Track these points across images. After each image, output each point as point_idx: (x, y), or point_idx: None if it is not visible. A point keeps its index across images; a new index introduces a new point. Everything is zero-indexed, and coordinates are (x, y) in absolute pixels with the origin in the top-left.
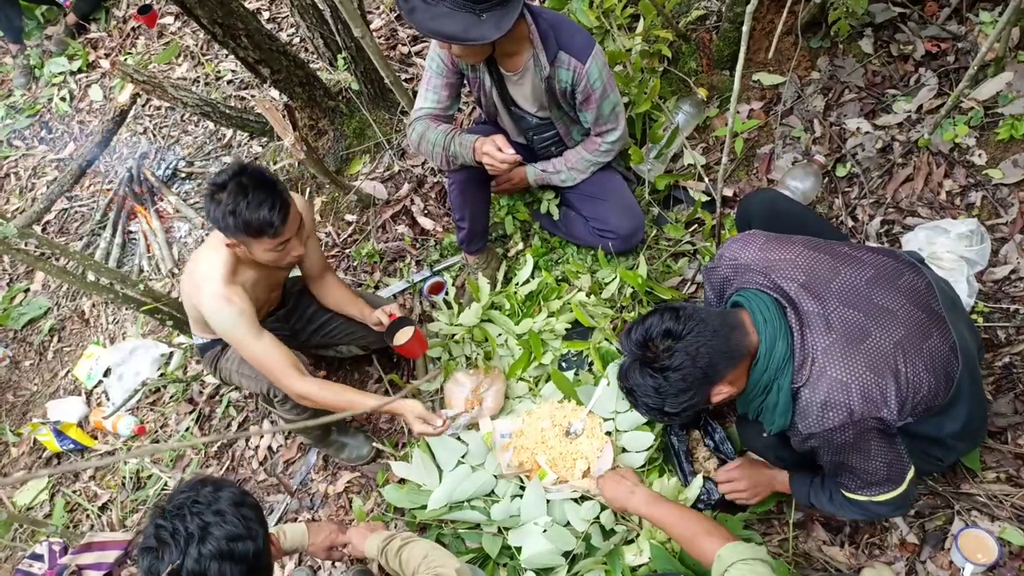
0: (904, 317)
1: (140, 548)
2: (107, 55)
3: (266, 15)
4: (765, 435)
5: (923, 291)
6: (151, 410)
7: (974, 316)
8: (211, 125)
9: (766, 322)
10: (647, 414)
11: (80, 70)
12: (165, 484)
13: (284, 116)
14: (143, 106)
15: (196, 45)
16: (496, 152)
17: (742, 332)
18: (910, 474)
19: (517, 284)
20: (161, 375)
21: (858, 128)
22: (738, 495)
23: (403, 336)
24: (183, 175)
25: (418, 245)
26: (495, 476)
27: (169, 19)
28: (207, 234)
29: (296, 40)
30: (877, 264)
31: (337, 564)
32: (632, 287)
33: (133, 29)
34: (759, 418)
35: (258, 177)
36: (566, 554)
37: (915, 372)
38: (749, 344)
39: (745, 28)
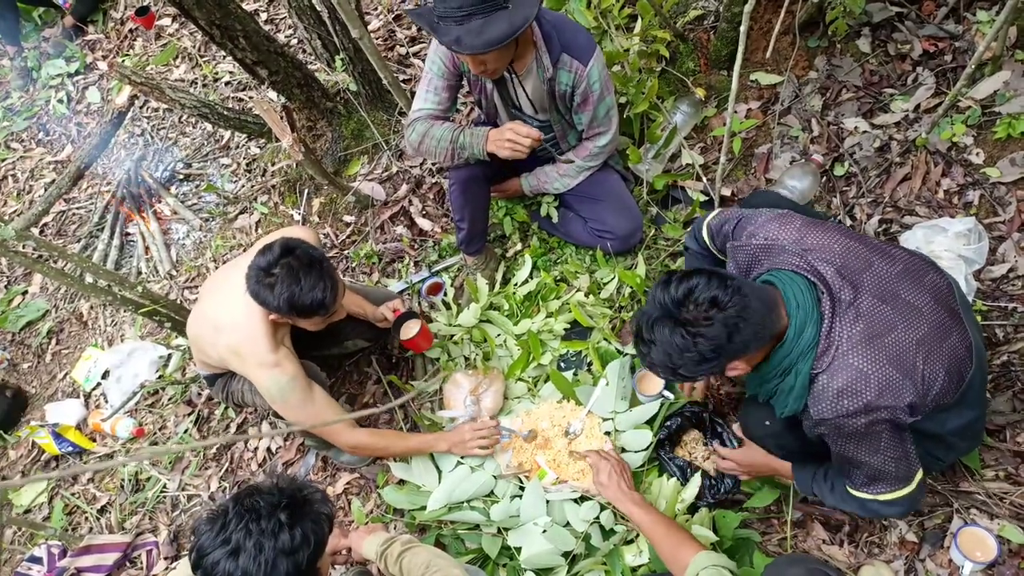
0: (928, 315)
1: (206, 519)
2: (105, 57)
3: (264, 16)
4: (768, 423)
5: (944, 290)
6: (150, 412)
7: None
8: (209, 127)
9: (799, 307)
10: (656, 369)
11: (78, 72)
12: (164, 487)
13: (282, 117)
14: (141, 108)
15: (194, 47)
16: (520, 127)
17: (777, 314)
18: (919, 476)
19: (516, 284)
20: (159, 377)
21: (856, 127)
22: (735, 469)
23: (409, 330)
24: (181, 177)
25: (416, 246)
26: (494, 476)
27: (167, 21)
28: (205, 236)
29: (294, 41)
30: (905, 260)
31: (337, 567)
32: (631, 287)
33: (131, 31)
34: (771, 401)
35: (306, 259)
36: (566, 554)
37: (932, 371)
38: (780, 326)
39: (743, 28)
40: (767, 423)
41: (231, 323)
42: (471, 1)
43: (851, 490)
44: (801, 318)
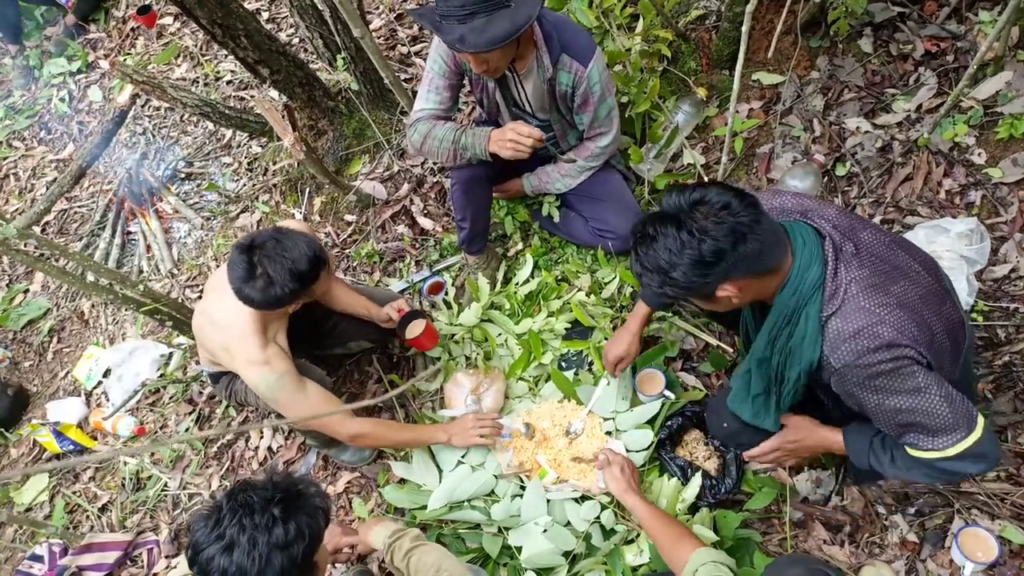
0: (923, 280)
1: (200, 516)
2: (106, 56)
3: (265, 15)
4: (726, 426)
5: (932, 264)
6: (151, 411)
7: (974, 315)
8: (211, 125)
9: (805, 245)
10: (649, 273)
11: (79, 71)
12: (165, 485)
13: (283, 116)
14: (142, 107)
15: (195, 45)
16: (522, 127)
17: (782, 247)
18: (981, 420)
19: (517, 284)
20: (161, 376)
21: (858, 127)
22: (779, 458)
23: (415, 330)
24: (183, 175)
25: (418, 245)
26: (495, 476)
27: (168, 20)
28: (206, 234)
29: (295, 40)
30: (892, 235)
31: (339, 565)
32: (632, 287)
33: (132, 30)
34: (785, 364)
35: (270, 239)
36: (566, 554)
37: (937, 328)
38: (783, 263)
39: (744, 28)
40: (724, 425)
41: (223, 321)
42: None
43: (913, 452)
44: (807, 255)
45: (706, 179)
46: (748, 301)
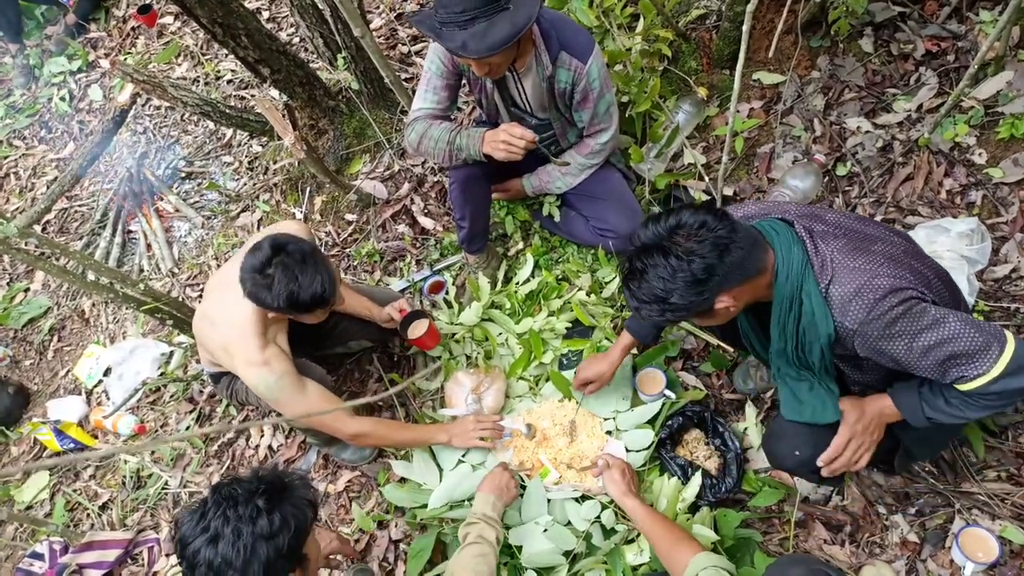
0: (899, 243)
1: (188, 511)
2: (107, 55)
3: (266, 15)
4: (798, 454)
5: (904, 234)
6: (151, 409)
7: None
8: (211, 125)
9: (777, 233)
10: (647, 305)
11: (80, 70)
12: (165, 483)
13: (284, 115)
14: (143, 106)
15: (196, 45)
16: (515, 129)
17: (761, 247)
18: (1009, 333)
19: (517, 283)
20: (161, 374)
21: (858, 127)
22: (855, 453)
23: (417, 330)
24: (183, 174)
25: (418, 244)
26: None
27: (169, 19)
28: (207, 234)
29: (296, 40)
30: (857, 215)
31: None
32: None
33: (133, 29)
34: (805, 348)
35: (298, 255)
36: (567, 553)
37: (931, 275)
38: (766, 260)
39: (745, 27)
40: (796, 453)
41: (223, 321)
42: (473, 4)
43: (963, 387)
44: (784, 241)
45: (706, 179)
46: (743, 307)
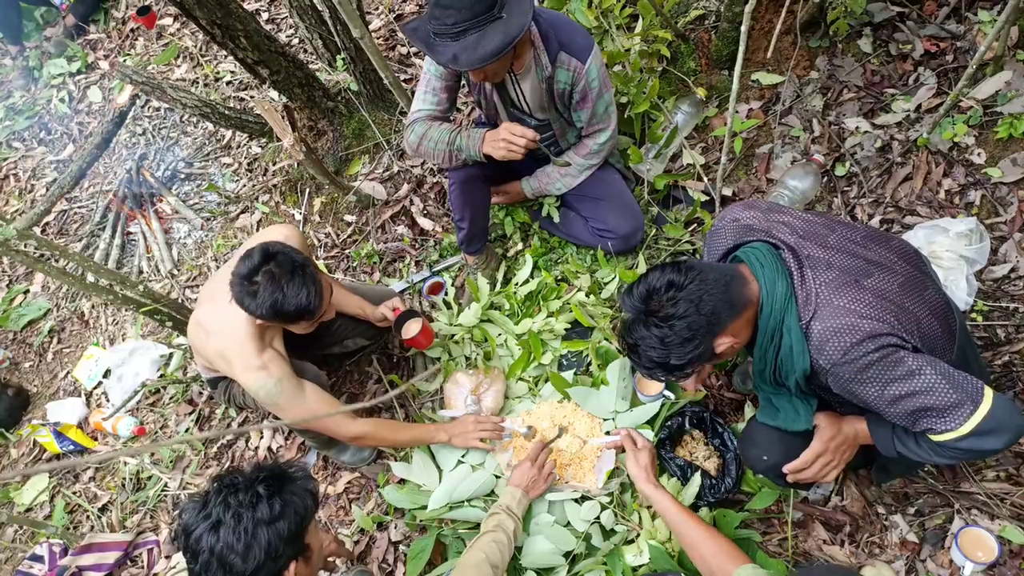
0: (900, 270)
1: (190, 502)
2: (106, 56)
3: (265, 16)
4: (766, 459)
5: (912, 253)
6: (151, 411)
7: (974, 315)
8: (210, 126)
9: (763, 266)
10: (651, 371)
11: (79, 71)
12: (165, 485)
13: (283, 117)
14: (142, 107)
15: (195, 46)
16: (516, 128)
17: (741, 281)
18: (989, 391)
19: (516, 284)
20: (161, 376)
21: (857, 127)
22: (822, 468)
23: (411, 329)
24: (183, 176)
25: (417, 245)
26: (495, 476)
27: (168, 20)
28: (206, 235)
29: (295, 41)
30: (868, 229)
31: (338, 564)
32: None
33: (132, 30)
34: (782, 375)
35: (287, 265)
36: (566, 554)
37: (922, 314)
38: (750, 293)
39: (744, 28)
40: (764, 458)
41: (219, 328)
42: (466, 16)
43: (934, 437)
44: (768, 275)
45: (705, 180)
46: (748, 338)
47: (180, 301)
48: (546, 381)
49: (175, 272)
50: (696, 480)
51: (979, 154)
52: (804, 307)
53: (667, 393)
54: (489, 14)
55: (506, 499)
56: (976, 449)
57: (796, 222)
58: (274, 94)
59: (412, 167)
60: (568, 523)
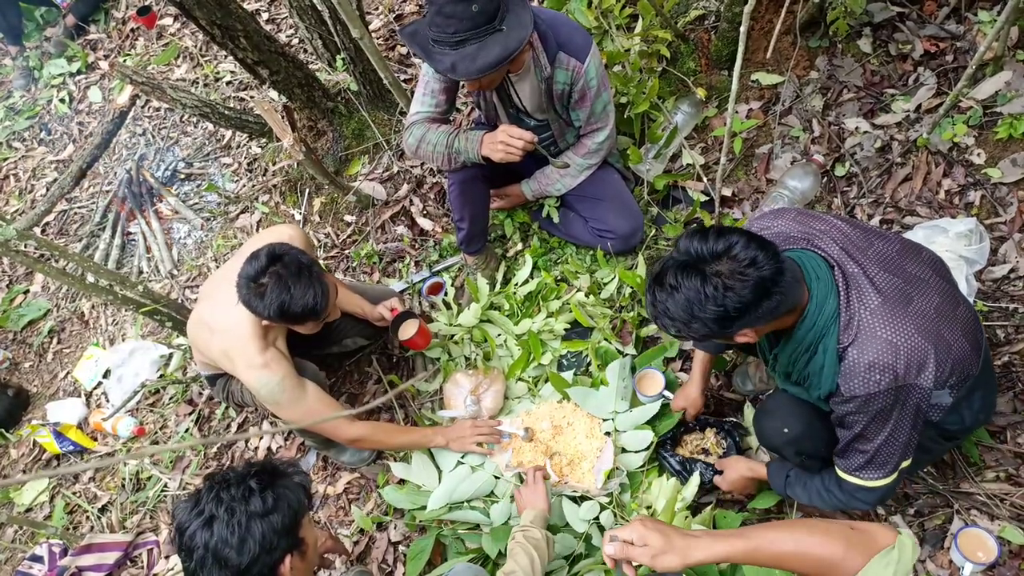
0: (935, 286)
1: (184, 502)
2: (106, 56)
3: (265, 16)
4: (787, 431)
5: (940, 264)
6: (150, 411)
7: None
8: (210, 126)
9: (819, 279)
10: (667, 320)
11: (79, 71)
12: (164, 486)
13: (283, 117)
14: (142, 107)
15: (195, 46)
16: (513, 130)
17: (801, 288)
18: (904, 464)
19: (516, 284)
20: (160, 376)
21: (857, 128)
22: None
23: (408, 330)
24: (182, 176)
25: (417, 245)
26: (495, 476)
27: (168, 20)
28: (206, 235)
29: (295, 41)
30: (900, 239)
31: (338, 565)
32: (631, 287)
33: (132, 31)
34: (804, 383)
35: (294, 266)
36: (566, 555)
37: (955, 338)
38: (801, 300)
39: (743, 28)
40: (785, 431)
41: (222, 326)
42: (466, 27)
43: (842, 473)
44: (822, 290)
45: (705, 180)
46: (763, 333)
47: (180, 301)
48: (546, 381)
49: (175, 272)
50: (695, 480)
51: (979, 154)
52: (845, 331)
53: (667, 393)
54: (489, 26)
55: (524, 520)
56: (855, 499)
57: (833, 230)
58: (274, 94)
59: (412, 167)
60: (567, 523)
